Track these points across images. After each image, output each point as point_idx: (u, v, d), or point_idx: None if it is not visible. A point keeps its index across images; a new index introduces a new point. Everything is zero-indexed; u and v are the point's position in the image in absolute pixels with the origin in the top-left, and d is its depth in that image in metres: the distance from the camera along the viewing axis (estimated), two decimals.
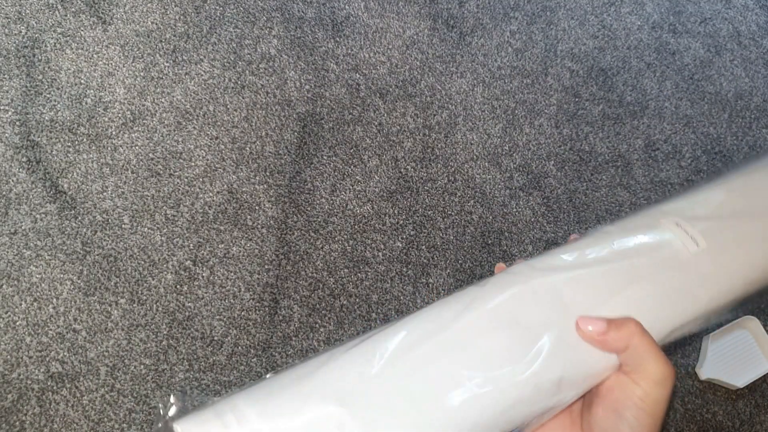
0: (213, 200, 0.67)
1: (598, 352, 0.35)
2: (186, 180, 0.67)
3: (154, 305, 0.61)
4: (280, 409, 0.32)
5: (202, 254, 0.64)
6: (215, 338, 0.61)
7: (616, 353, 0.34)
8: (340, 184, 0.70)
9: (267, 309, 0.63)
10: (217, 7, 0.78)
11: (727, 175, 0.43)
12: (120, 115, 0.69)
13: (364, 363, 0.33)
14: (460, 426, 0.33)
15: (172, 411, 0.32)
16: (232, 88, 0.74)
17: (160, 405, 0.32)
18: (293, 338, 0.63)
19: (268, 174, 0.69)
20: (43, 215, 0.62)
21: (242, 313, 0.63)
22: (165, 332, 0.60)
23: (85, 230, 0.62)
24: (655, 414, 0.33)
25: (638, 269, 0.37)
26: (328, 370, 0.33)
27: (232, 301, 0.63)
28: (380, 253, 0.68)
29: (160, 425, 0.31)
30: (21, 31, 0.71)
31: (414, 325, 0.35)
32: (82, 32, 0.73)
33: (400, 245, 0.69)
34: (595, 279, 0.37)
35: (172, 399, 0.31)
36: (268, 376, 0.35)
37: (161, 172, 0.67)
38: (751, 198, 0.41)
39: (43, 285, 0.59)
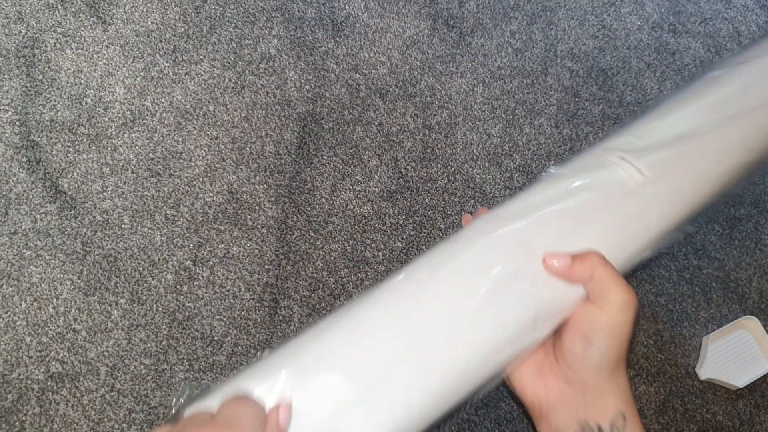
0: (213, 200, 0.67)
1: (566, 286, 0.37)
2: (186, 180, 0.67)
3: (154, 305, 0.61)
4: (282, 385, 0.34)
5: (202, 254, 0.64)
6: (215, 338, 0.61)
7: (582, 284, 0.37)
8: (340, 184, 0.70)
9: (267, 309, 0.64)
10: (217, 7, 0.78)
11: (665, 103, 0.47)
12: (120, 115, 0.69)
13: (353, 331, 0.36)
14: (449, 378, 0.35)
15: (183, 398, 0.34)
16: (232, 88, 0.74)
17: (174, 396, 0.34)
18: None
19: (268, 174, 0.69)
20: (43, 215, 0.62)
21: (242, 313, 0.63)
22: (165, 332, 0.60)
23: (85, 230, 0.62)
24: (621, 337, 0.37)
25: (592, 204, 0.39)
26: (320, 344, 0.36)
27: (232, 301, 0.63)
28: (380, 253, 0.68)
29: (173, 412, 0.34)
30: (21, 31, 0.71)
31: (392, 289, 0.38)
32: (82, 32, 0.73)
33: (400, 245, 0.69)
34: (555, 219, 0.39)
35: (182, 387, 0.33)
36: (262, 354, 0.36)
37: (161, 172, 0.67)
38: (687, 123, 0.44)
39: (43, 285, 0.59)
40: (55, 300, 0.59)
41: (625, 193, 0.40)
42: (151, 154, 0.68)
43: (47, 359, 0.57)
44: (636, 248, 0.41)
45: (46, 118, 0.67)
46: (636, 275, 0.71)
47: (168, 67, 0.73)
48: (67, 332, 0.58)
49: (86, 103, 0.69)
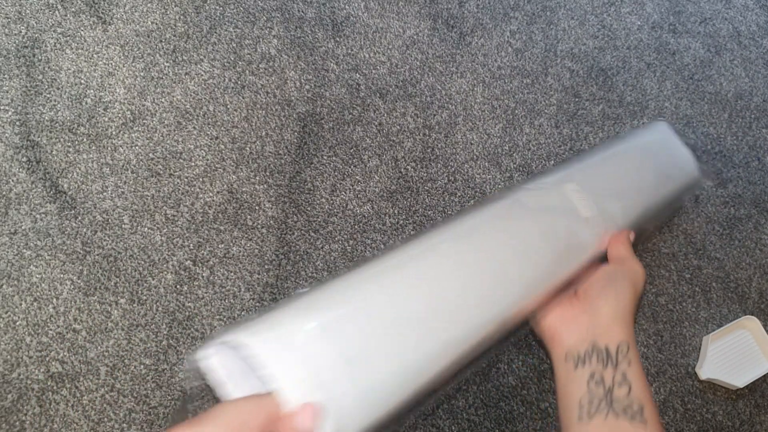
0: (213, 200, 0.67)
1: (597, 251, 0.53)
2: (186, 180, 0.67)
3: (154, 305, 0.61)
4: (281, 340, 0.35)
5: (202, 254, 0.64)
6: None
7: (612, 253, 0.53)
8: (340, 184, 0.70)
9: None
10: (217, 7, 0.78)
11: (610, 148, 0.62)
12: (120, 115, 0.69)
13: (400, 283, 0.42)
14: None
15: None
16: (232, 88, 0.74)
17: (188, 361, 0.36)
18: None
19: (268, 174, 0.69)
20: (43, 215, 0.62)
21: (242, 313, 0.63)
22: (165, 332, 0.60)
23: (85, 230, 0.62)
24: (634, 287, 0.49)
25: (556, 225, 0.50)
26: (328, 296, 0.39)
27: (232, 301, 0.63)
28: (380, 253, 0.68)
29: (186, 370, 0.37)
30: (21, 31, 0.71)
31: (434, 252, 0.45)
32: (82, 32, 0.73)
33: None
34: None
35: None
36: (253, 317, 0.38)
37: (161, 172, 0.67)
38: (623, 175, 0.58)
39: (43, 285, 0.59)
40: (55, 300, 0.59)
41: (579, 220, 0.52)
42: (151, 154, 0.68)
43: (47, 359, 0.57)
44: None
45: (46, 118, 0.67)
46: None
47: (168, 67, 0.73)
48: (67, 332, 0.58)
49: (86, 103, 0.69)
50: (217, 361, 0.35)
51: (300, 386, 0.32)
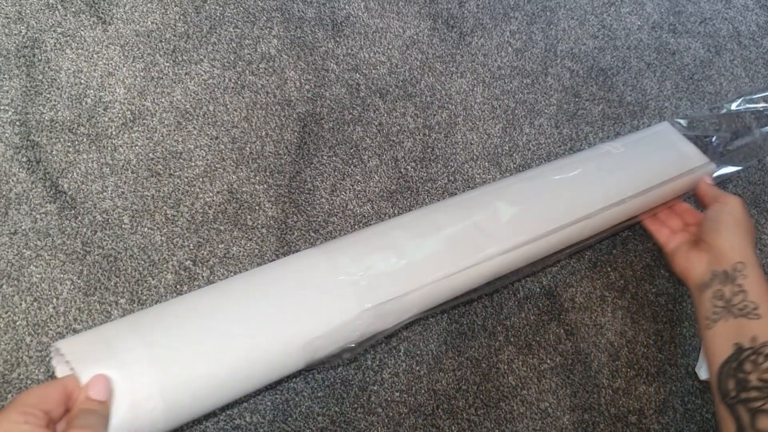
0: (213, 200, 0.67)
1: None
2: (186, 180, 0.67)
3: (155, 305, 0.61)
4: (86, 337, 0.43)
5: (202, 254, 0.64)
6: None
7: (707, 199, 0.66)
8: (340, 184, 0.70)
9: None
10: (217, 7, 0.78)
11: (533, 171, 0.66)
12: (120, 115, 0.69)
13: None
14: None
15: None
16: (232, 88, 0.74)
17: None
18: None
19: (268, 174, 0.69)
20: (43, 215, 0.62)
21: None
22: None
23: (85, 230, 0.62)
24: (736, 216, 0.60)
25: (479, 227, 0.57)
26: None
27: None
28: None
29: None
30: (21, 31, 0.71)
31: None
32: (82, 32, 0.73)
33: None
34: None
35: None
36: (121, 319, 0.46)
37: (161, 172, 0.67)
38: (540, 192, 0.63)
39: (43, 285, 0.59)
40: (55, 300, 0.59)
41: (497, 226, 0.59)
42: (151, 154, 0.68)
43: (47, 359, 0.57)
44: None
45: (46, 118, 0.67)
46: (636, 275, 0.71)
47: (168, 67, 0.73)
48: (67, 332, 0.58)
49: (86, 103, 0.69)
50: (55, 362, 0.42)
51: (96, 366, 0.39)
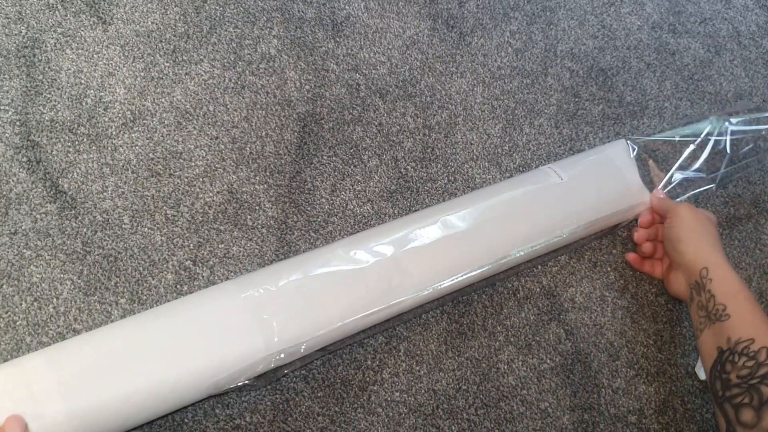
0: (213, 200, 0.67)
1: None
2: (186, 180, 0.67)
3: (154, 305, 0.61)
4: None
5: (202, 254, 0.64)
6: None
7: (663, 211, 0.67)
8: (340, 184, 0.70)
9: None
10: (217, 7, 0.78)
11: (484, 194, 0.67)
12: (120, 115, 0.69)
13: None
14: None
15: None
16: (232, 88, 0.74)
17: None
18: None
19: (268, 174, 0.69)
20: (43, 215, 0.62)
21: None
22: None
23: (85, 230, 0.62)
24: (690, 223, 0.63)
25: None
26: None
27: None
28: None
29: None
30: (21, 31, 0.72)
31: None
32: (82, 32, 0.73)
33: None
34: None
35: None
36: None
37: (161, 172, 0.67)
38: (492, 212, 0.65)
39: (43, 285, 0.59)
40: (55, 300, 0.59)
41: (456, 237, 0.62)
42: (151, 154, 0.68)
43: None
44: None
45: (46, 118, 0.67)
46: (636, 275, 0.71)
47: (168, 67, 0.73)
48: (67, 332, 0.58)
49: (86, 103, 0.69)
50: None
51: (13, 405, 0.44)
